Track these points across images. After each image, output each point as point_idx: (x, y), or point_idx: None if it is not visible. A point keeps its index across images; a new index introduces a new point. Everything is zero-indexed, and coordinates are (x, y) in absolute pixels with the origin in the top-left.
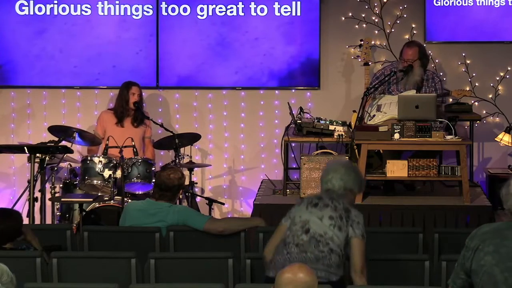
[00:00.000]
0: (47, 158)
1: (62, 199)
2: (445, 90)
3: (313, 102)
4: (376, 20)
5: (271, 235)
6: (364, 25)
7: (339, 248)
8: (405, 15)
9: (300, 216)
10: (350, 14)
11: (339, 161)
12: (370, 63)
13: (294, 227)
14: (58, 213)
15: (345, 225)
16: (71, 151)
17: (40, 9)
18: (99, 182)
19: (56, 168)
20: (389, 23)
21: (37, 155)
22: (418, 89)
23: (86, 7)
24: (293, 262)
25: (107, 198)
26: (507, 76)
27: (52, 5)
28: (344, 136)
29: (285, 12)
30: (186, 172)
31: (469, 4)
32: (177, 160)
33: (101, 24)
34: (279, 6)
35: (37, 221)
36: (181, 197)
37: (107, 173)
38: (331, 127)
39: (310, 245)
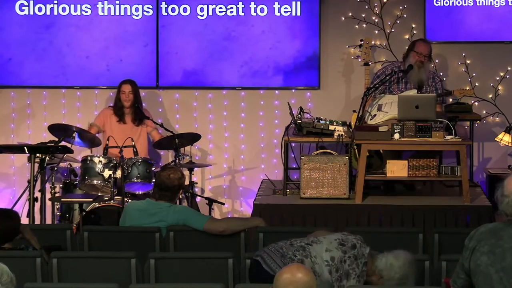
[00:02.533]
0: (47, 158)
1: (62, 199)
2: (445, 90)
3: (313, 102)
4: (376, 20)
5: (271, 235)
6: (364, 25)
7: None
8: (405, 15)
9: (321, 239)
10: (350, 14)
11: (405, 254)
12: (370, 63)
13: (305, 238)
14: (58, 213)
15: (345, 274)
16: (71, 151)
17: (40, 9)
18: (99, 182)
19: (56, 168)
20: (389, 23)
21: (37, 155)
22: (419, 89)
23: (86, 7)
24: (269, 251)
25: (107, 198)
26: (507, 76)
27: (52, 5)
28: (344, 136)
29: (285, 12)
30: (186, 172)
31: (469, 4)
32: (177, 160)
33: (101, 24)
34: (279, 6)
35: (37, 221)
36: (181, 197)
37: (107, 173)
38: (331, 127)
39: (291, 249)
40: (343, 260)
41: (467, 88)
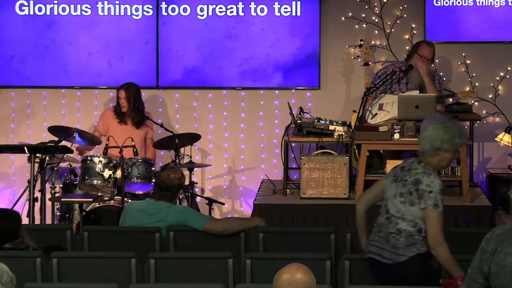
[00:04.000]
0: (47, 158)
1: (62, 199)
2: (449, 91)
3: (313, 102)
4: (376, 20)
5: (271, 235)
6: (364, 25)
7: (413, 225)
8: (405, 15)
9: (387, 192)
10: (350, 14)
11: (429, 118)
12: (370, 63)
13: (382, 203)
14: (58, 213)
15: (417, 199)
16: (71, 151)
17: (40, 9)
18: (99, 182)
19: (56, 168)
20: (389, 23)
21: (37, 155)
22: (420, 90)
23: (86, 7)
24: (374, 243)
25: (107, 198)
26: (507, 76)
27: (52, 5)
28: (344, 136)
29: (285, 12)
30: (186, 172)
31: (469, 4)
32: (177, 160)
33: (101, 23)
34: (279, 6)
35: (37, 221)
36: (181, 197)
37: (107, 173)
38: (331, 127)
39: (385, 225)
40: (404, 183)
41: (468, 90)
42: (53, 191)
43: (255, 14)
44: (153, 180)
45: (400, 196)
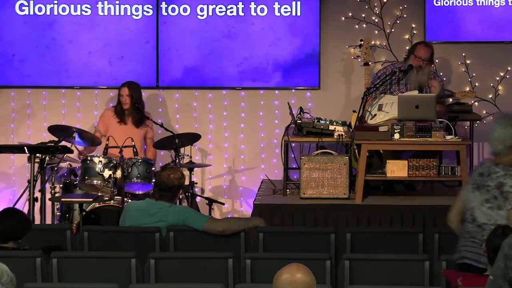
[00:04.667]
0: (47, 158)
1: (62, 199)
2: (448, 91)
3: (313, 102)
4: (376, 20)
5: (271, 235)
6: (364, 25)
7: None
8: (405, 15)
9: (469, 201)
10: (350, 14)
11: (495, 118)
12: (370, 63)
13: (467, 212)
14: (58, 213)
15: (503, 202)
16: (71, 151)
17: (40, 9)
18: (99, 182)
19: (56, 168)
20: (389, 23)
21: (37, 155)
22: (420, 90)
23: (86, 7)
24: (468, 248)
25: (107, 198)
26: (507, 76)
27: (52, 5)
28: (344, 136)
29: (285, 12)
30: (186, 172)
31: (469, 4)
32: (177, 160)
33: (101, 23)
34: (279, 6)
35: (37, 221)
36: (181, 197)
37: (107, 173)
38: (331, 127)
39: (478, 233)
40: (487, 189)
41: (467, 90)
42: (53, 191)
43: (255, 14)
44: (153, 180)
45: (486, 203)
